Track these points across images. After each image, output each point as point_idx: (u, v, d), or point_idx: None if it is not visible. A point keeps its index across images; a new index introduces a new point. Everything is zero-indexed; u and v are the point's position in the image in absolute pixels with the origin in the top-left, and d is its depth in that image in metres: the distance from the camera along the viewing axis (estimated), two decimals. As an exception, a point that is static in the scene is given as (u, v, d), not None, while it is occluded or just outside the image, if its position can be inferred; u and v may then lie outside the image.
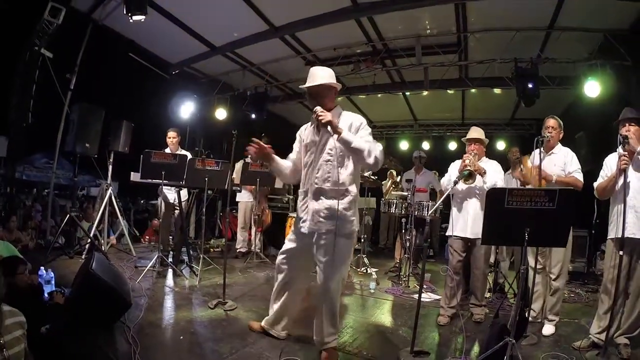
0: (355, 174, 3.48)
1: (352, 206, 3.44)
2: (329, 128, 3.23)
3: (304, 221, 3.49)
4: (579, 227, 7.48)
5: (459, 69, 8.80)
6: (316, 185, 3.44)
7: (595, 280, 6.83)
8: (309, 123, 3.62)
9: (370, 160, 3.23)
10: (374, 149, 3.24)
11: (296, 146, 3.76)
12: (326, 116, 3.22)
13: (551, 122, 4.51)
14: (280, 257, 3.74)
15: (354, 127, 3.38)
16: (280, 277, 3.76)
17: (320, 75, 3.50)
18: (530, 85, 7.37)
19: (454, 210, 4.86)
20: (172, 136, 7.04)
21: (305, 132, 3.66)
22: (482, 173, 4.58)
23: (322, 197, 3.41)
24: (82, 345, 3.40)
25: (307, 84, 3.52)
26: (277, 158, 3.70)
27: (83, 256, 6.65)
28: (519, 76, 7.51)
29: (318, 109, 3.29)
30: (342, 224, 3.35)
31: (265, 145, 3.62)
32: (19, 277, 3.83)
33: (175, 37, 8.21)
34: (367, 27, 7.66)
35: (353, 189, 3.44)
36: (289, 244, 3.69)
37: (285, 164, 3.73)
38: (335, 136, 3.22)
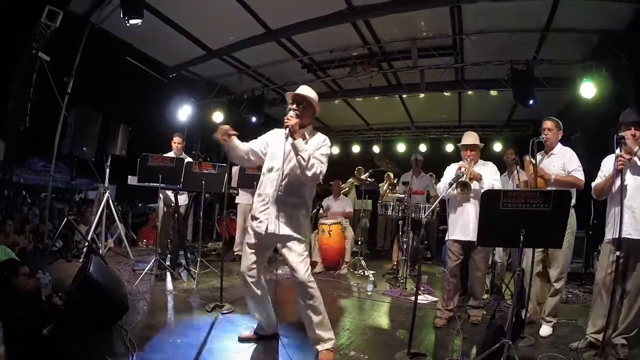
0: (312, 185, 3.76)
1: (307, 213, 3.80)
2: (286, 130, 3.49)
3: (260, 222, 3.65)
4: (577, 228, 7.49)
5: (455, 71, 8.83)
6: (280, 193, 3.61)
7: (593, 281, 6.83)
8: (284, 129, 3.66)
9: (309, 173, 3.47)
10: (317, 167, 3.49)
11: (262, 139, 3.91)
12: (291, 120, 3.47)
13: (548, 124, 4.52)
14: (245, 263, 3.79)
15: (319, 144, 3.66)
16: (248, 280, 3.78)
17: (307, 91, 3.78)
18: (531, 102, 7.49)
19: (452, 214, 4.87)
20: (177, 141, 7.12)
21: (275, 138, 3.78)
22: (478, 179, 4.61)
23: (284, 204, 3.61)
24: (80, 347, 3.41)
25: (294, 92, 3.77)
26: (235, 139, 3.80)
27: (80, 260, 6.64)
28: (514, 78, 7.55)
29: (290, 112, 3.54)
30: (300, 229, 3.65)
31: (226, 127, 3.76)
32: (17, 280, 3.84)
33: (172, 40, 8.22)
34: (363, 30, 7.69)
35: (309, 197, 3.78)
36: (250, 242, 3.76)
37: (241, 145, 3.85)
38: (290, 140, 3.50)
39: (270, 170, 3.72)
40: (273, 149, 3.77)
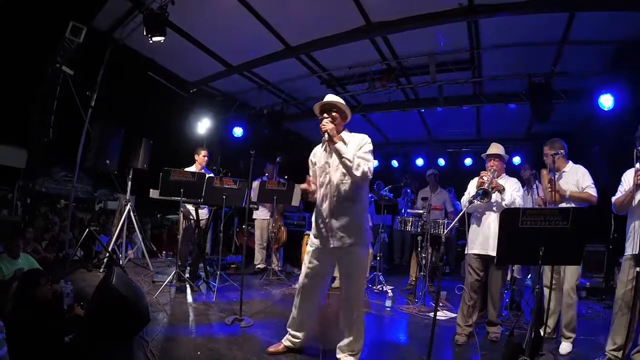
0: (364, 187, 3.77)
1: (366, 217, 3.78)
2: (326, 136, 3.58)
3: (325, 238, 3.71)
4: (596, 242, 7.42)
5: (473, 85, 8.83)
6: (334, 204, 3.65)
7: (614, 295, 6.71)
8: (320, 145, 3.87)
9: (358, 173, 3.51)
10: (363, 164, 3.52)
11: (311, 165, 3.99)
12: (327, 125, 3.57)
13: (545, 149, 4.70)
14: (303, 273, 3.90)
15: (360, 144, 3.66)
16: (302, 292, 3.91)
17: (333, 97, 3.81)
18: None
19: (472, 227, 4.86)
20: (204, 154, 7.17)
21: (317, 155, 3.87)
22: (501, 190, 4.59)
23: (342, 214, 3.63)
24: (102, 357, 3.47)
25: (322, 102, 3.80)
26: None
27: (101, 270, 6.75)
28: (532, 92, 7.53)
29: (324, 120, 3.63)
30: (362, 235, 3.70)
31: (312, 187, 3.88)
32: (40, 289, 3.93)
33: (193, 56, 8.34)
34: (381, 45, 7.73)
35: (364, 200, 3.79)
36: (312, 260, 3.84)
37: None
38: (332, 146, 3.59)
39: (322, 185, 3.77)
40: (319, 164, 3.83)
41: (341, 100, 3.81)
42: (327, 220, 3.68)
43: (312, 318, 3.96)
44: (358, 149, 3.62)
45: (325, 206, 3.71)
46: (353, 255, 3.66)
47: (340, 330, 3.74)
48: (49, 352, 3.32)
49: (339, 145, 3.55)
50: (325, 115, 3.71)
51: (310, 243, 3.86)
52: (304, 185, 3.89)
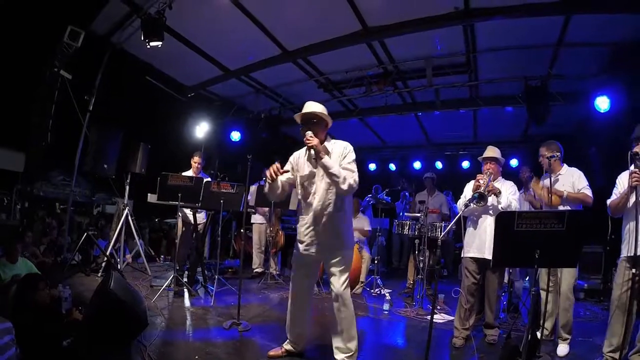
0: (348, 195, 3.82)
1: (350, 223, 3.92)
2: (312, 152, 3.62)
3: (308, 245, 3.81)
4: (594, 243, 7.43)
5: (469, 88, 8.84)
6: (319, 212, 3.72)
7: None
8: (303, 150, 3.92)
9: (344, 187, 3.57)
10: (349, 177, 3.59)
11: (288, 167, 3.98)
12: (313, 141, 3.60)
13: (541, 150, 4.71)
14: (292, 274, 4.02)
15: (342, 154, 3.74)
16: (292, 296, 3.99)
17: (313, 106, 3.86)
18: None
19: (469, 230, 4.85)
20: (197, 161, 7.18)
21: (300, 162, 3.92)
22: (497, 193, 4.60)
23: (327, 222, 3.72)
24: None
25: (302, 112, 3.87)
26: (280, 179, 3.93)
27: (99, 274, 6.74)
28: (529, 95, 7.57)
29: (308, 133, 3.66)
30: (345, 241, 3.80)
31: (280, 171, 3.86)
32: (39, 294, 3.93)
33: (191, 61, 8.35)
34: (378, 49, 7.74)
35: (347, 208, 3.86)
36: (298, 262, 3.96)
37: (280, 184, 3.96)
38: (318, 159, 3.60)
39: (306, 194, 3.84)
40: (302, 173, 3.87)
41: (320, 108, 3.86)
42: (312, 227, 3.76)
43: (306, 318, 4.01)
44: (342, 159, 3.70)
45: (311, 214, 3.77)
46: (337, 257, 3.72)
47: (335, 330, 3.77)
48: (48, 356, 3.33)
49: (325, 160, 3.58)
50: (306, 127, 3.75)
51: (296, 246, 3.94)
52: (269, 171, 3.86)
